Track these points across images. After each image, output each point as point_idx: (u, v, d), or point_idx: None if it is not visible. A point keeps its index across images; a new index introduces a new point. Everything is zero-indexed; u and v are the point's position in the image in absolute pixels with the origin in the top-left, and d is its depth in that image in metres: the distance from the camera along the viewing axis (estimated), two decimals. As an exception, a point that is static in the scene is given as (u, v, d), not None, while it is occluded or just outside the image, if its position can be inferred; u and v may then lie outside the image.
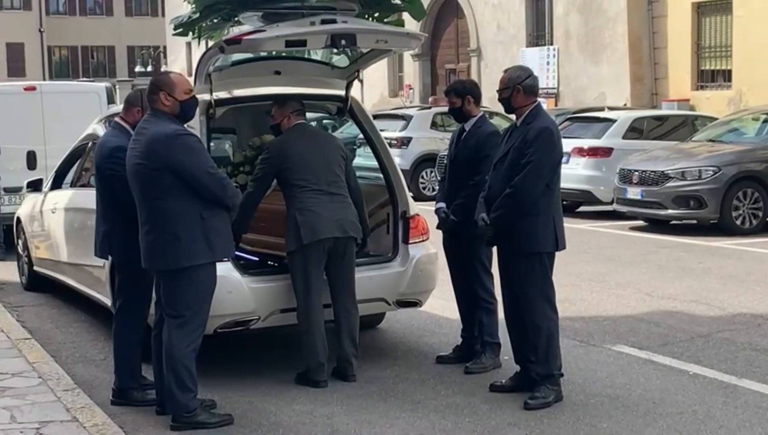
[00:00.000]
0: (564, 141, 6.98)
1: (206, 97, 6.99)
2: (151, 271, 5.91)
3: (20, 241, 10.96)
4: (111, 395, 6.39)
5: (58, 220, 9.28)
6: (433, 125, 20.45)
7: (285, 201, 6.76)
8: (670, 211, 13.94)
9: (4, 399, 6.21)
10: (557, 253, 6.26)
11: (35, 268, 10.37)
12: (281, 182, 6.78)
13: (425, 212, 7.66)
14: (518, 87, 6.21)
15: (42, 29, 61.36)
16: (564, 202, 8.83)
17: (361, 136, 10.10)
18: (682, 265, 11.27)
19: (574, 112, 19.47)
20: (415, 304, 7.51)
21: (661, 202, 13.94)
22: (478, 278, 7.00)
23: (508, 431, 5.75)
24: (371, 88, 33.34)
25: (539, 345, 6.16)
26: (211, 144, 7.78)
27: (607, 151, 16.03)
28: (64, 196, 9.30)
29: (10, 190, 13.10)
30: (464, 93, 7.00)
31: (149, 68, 47.72)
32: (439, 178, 16.58)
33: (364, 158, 13.75)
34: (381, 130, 8.00)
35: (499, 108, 6.52)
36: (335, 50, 7.05)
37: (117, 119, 6.61)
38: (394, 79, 34.75)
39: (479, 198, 6.39)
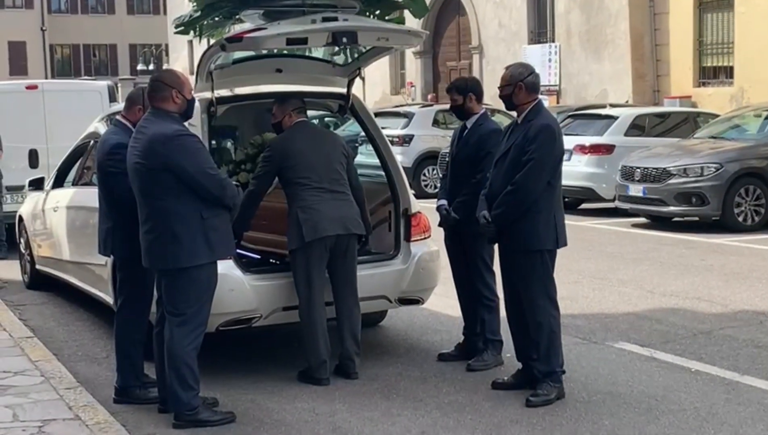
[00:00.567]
0: (566, 138, 6.97)
1: (208, 95, 7.01)
2: (151, 269, 5.92)
3: (22, 240, 10.97)
4: (113, 393, 6.39)
5: (59, 218, 9.28)
6: (435, 123, 20.48)
7: (287, 199, 6.76)
8: (672, 208, 13.92)
9: (6, 397, 6.21)
10: (559, 251, 6.25)
11: (37, 266, 10.38)
12: (283, 180, 6.77)
13: (427, 210, 7.65)
14: (520, 84, 6.20)
15: (44, 28, 61.41)
16: (566, 200, 8.84)
17: (362, 133, 10.10)
18: (684, 262, 11.26)
19: (576, 110, 19.45)
20: (417, 301, 7.52)
21: (663, 199, 13.93)
22: (479, 275, 6.99)
23: (510, 428, 5.74)
24: (373, 85, 33.36)
25: (541, 342, 6.16)
26: (212, 142, 7.78)
27: (609, 148, 16.02)
28: (66, 194, 9.30)
29: (12, 189, 13.10)
30: (466, 90, 6.99)
31: (151, 66, 47.72)
32: (440, 175, 16.56)
33: (365, 156, 13.76)
34: (383, 128, 7.99)
35: (501, 105, 6.50)
36: (336, 48, 7.05)
37: (118, 117, 6.60)
38: (395, 76, 34.73)
39: (480, 195, 6.38)
